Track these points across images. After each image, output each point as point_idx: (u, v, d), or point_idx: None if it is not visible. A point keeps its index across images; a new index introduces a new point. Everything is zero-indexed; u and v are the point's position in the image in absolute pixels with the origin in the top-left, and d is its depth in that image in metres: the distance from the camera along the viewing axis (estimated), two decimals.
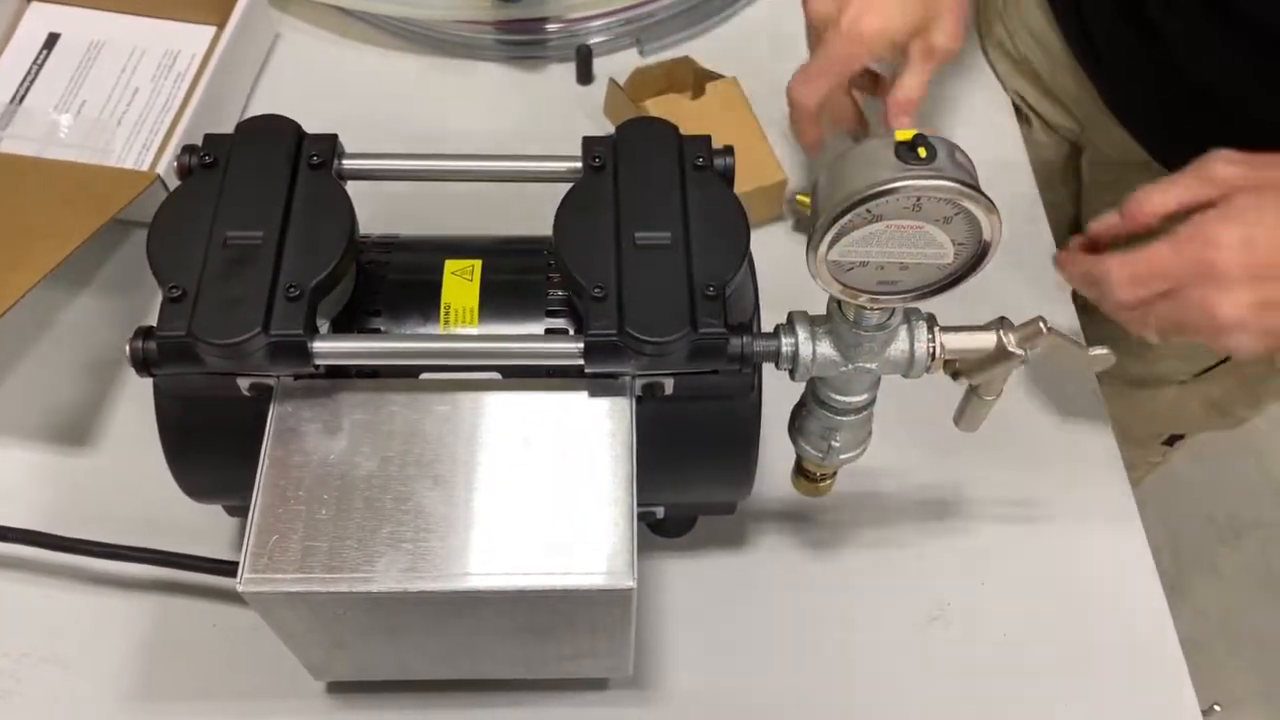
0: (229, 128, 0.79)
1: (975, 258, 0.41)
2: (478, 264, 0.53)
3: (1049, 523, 0.65)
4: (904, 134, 0.38)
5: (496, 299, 0.52)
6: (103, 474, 0.65)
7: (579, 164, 0.52)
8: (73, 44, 0.83)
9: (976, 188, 0.38)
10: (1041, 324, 0.47)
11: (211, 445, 0.52)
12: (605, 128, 0.80)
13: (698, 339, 0.46)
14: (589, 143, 0.52)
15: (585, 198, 0.50)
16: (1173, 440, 0.94)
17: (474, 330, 0.51)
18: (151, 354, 0.46)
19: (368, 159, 0.53)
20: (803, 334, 0.47)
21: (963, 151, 0.40)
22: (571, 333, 0.51)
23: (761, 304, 0.54)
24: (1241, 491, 1.50)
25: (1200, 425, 0.89)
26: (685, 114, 0.74)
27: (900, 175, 0.38)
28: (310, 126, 0.79)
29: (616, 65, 0.83)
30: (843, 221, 0.39)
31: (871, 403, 0.50)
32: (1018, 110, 0.83)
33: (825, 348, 0.47)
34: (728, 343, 0.47)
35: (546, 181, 0.53)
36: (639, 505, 0.58)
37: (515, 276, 0.54)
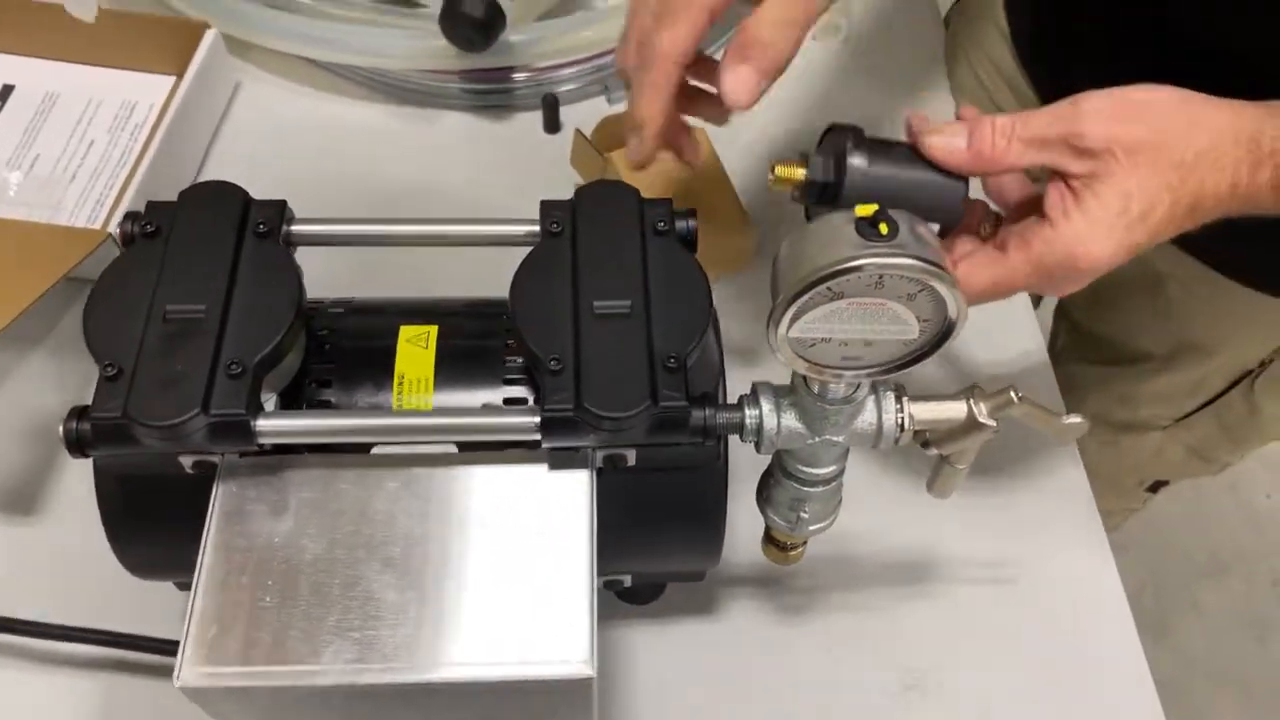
0: (186, 181, 0.78)
1: (941, 334, 0.39)
2: (433, 330, 0.52)
3: (1026, 583, 0.64)
4: (864, 209, 0.37)
5: (452, 367, 0.50)
6: (51, 544, 0.63)
7: (537, 228, 0.51)
8: (28, 95, 0.81)
9: (940, 265, 0.37)
10: (1013, 394, 0.45)
11: (154, 524, 0.50)
12: (572, 178, 0.78)
13: (658, 413, 0.44)
14: (547, 207, 0.50)
15: (543, 264, 0.48)
16: (1156, 487, 0.93)
17: (429, 398, 0.49)
18: (86, 435, 0.44)
19: (318, 224, 0.51)
20: (767, 406, 0.46)
21: (926, 225, 0.38)
22: (531, 401, 0.49)
23: (731, 358, 0.52)
24: (1222, 529, 1.49)
25: (1182, 471, 0.88)
26: (651, 165, 0.73)
27: (861, 253, 0.36)
28: (271, 177, 0.78)
29: (584, 113, 0.81)
30: (803, 300, 0.38)
31: (840, 473, 0.49)
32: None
33: (790, 420, 0.45)
34: (689, 416, 0.45)
35: (503, 245, 0.52)
36: (604, 575, 0.56)
37: (473, 342, 0.52)
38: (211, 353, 0.45)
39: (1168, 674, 0.63)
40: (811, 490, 0.49)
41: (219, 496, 0.46)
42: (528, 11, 0.80)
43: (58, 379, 0.69)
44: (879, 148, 0.47)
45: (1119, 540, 0.71)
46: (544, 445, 0.46)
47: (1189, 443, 0.83)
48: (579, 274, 0.48)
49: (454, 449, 0.49)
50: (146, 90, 0.82)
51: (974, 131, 0.46)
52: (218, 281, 0.47)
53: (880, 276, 0.37)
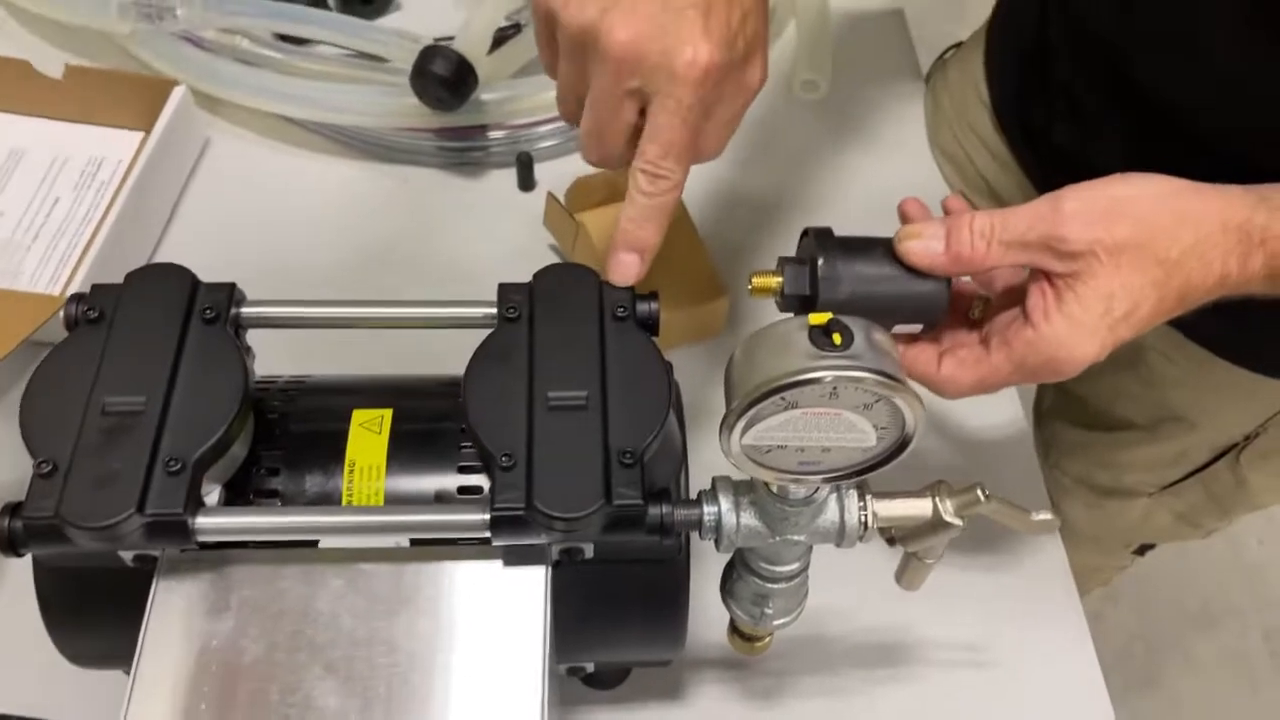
0: (151, 242, 0.77)
1: (900, 442, 0.38)
2: (387, 414, 0.50)
3: (1003, 667, 0.62)
4: (818, 318, 0.36)
5: (406, 453, 0.49)
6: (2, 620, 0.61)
7: (494, 310, 0.49)
8: None
9: (895, 377, 0.35)
10: (980, 492, 0.44)
11: (94, 616, 0.48)
12: (546, 238, 0.77)
13: (612, 511, 0.43)
14: (504, 291, 0.49)
15: (498, 351, 0.47)
16: (1143, 549, 0.91)
17: (379, 486, 0.48)
18: (18, 534, 0.42)
19: (269, 306, 0.50)
20: (725, 504, 0.44)
21: (883, 331, 0.37)
22: (487, 488, 0.48)
23: (702, 426, 0.50)
24: (1214, 578, 1.47)
25: (1169, 536, 0.87)
26: None
27: (813, 364, 0.35)
28: (238, 236, 0.77)
29: (558, 171, 0.80)
30: (755, 409, 0.36)
31: (805, 569, 0.47)
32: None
33: (750, 519, 0.44)
34: (645, 514, 0.43)
35: (461, 328, 0.50)
36: (565, 663, 0.54)
37: (428, 425, 0.50)
38: (149, 448, 0.43)
39: None
40: (775, 586, 0.47)
41: (157, 593, 0.45)
42: (501, 69, 0.79)
43: (10, 448, 0.67)
44: (855, 252, 0.46)
45: (1109, 590, 0.69)
46: (494, 543, 0.44)
47: (1176, 509, 0.81)
48: (535, 362, 0.46)
49: (404, 542, 0.47)
50: (114, 146, 0.81)
51: (952, 233, 0.45)
52: (160, 371, 0.45)
53: (834, 388, 0.35)
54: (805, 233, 0.49)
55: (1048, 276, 0.45)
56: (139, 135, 0.81)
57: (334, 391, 0.53)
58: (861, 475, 0.40)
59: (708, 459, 0.50)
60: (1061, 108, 0.69)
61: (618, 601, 0.50)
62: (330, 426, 0.49)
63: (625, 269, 0.48)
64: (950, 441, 0.71)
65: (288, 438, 0.49)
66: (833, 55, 0.86)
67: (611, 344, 0.47)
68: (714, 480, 0.45)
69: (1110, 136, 0.65)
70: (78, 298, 0.48)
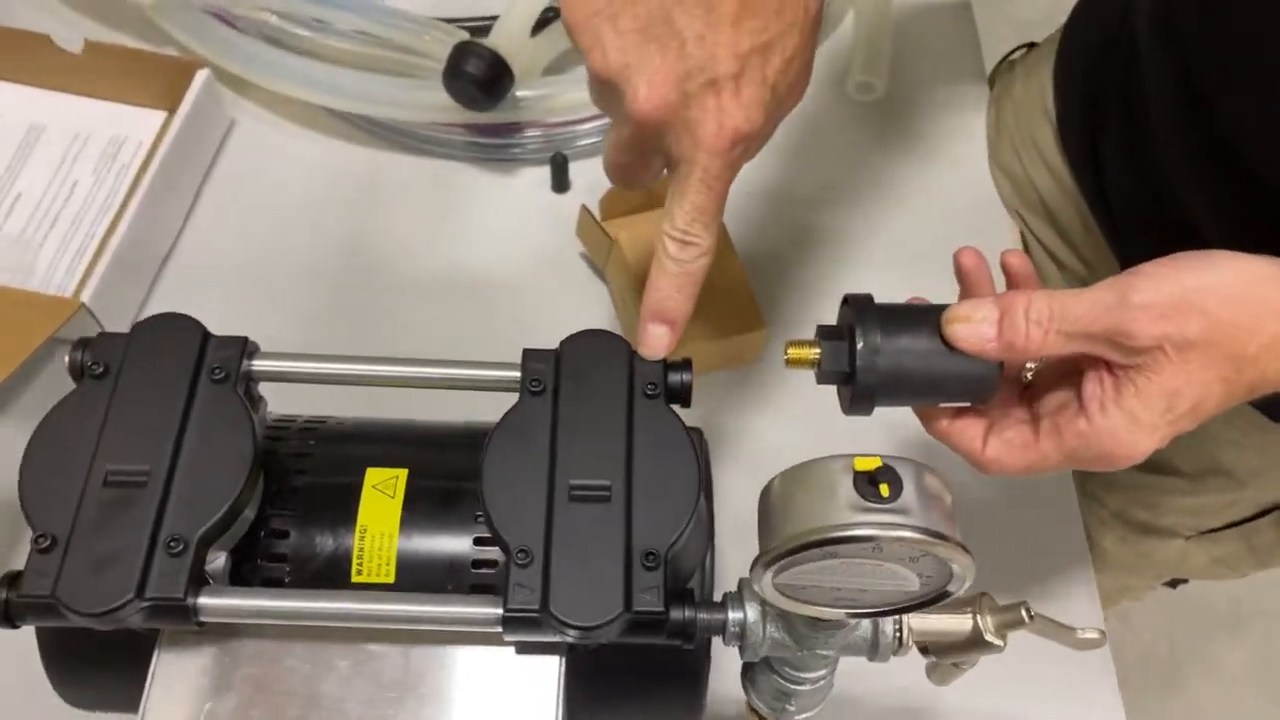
0: (172, 232, 0.75)
1: (945, 589, 0.35)
2: (402, 476, 0.48)
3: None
4: (865, 463, 0.33)
5: (420, 518, 0.47)
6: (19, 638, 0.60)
7: (517, 374, 0.47)
8: (12, 126, 0.77)
9: (946, 535, 0.32)
10: (1024, 612, 0.41)
11: (95, 668, 0.47)
12: (578, 246, 0.74)
13: (631, 618, 0.41)
14: (529, 359, 0.46)
15: (519, 430, 0.44)
16: (1175, 583, 0.89)
17: (391, 556, 0.46)
18: (15, 607, 0.41)
19: (282, 360, 0.47)
20: (752, 613, 0.42)
21: (935, 475, 0.34)
22: (500, 563, 0.46)
23: (726, 458, 0.47)
24: (1244, 580, 1.44)
25: (1204, 575, 0.84)
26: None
27: (857, 520, 0.32)
28: (262, 227, 0.75)
29: (595, 171, 0.76)
30: (791, 559, 0.33)
31: (831, 673, 0.45)
32: (1021, 236, 0.77)
33: (777, 631, 0.41)
34: (667, 621, 0.41)
35: (482, 390, 0.48)
36: None
37: (444, 484, 0.48)
38: (151, 526, 0.41)
39: None
40: (799, 689, 0.45)
41: (158, 667, 0.43)
42: (539, 58, 0.75)
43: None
44: (896, 326, 0.43)
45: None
46: (506, 640, 0.42)
47: (1214, 554, 0.79)
48: (557, 444, 0.44)
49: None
50: (136, 126, 0.78)
51: (1005, 318, 0.42)
52: (165, 436, 0.43)
53: (879, 545, 0.33)
54: (845, 301, 0.46)
55: (1107, 364, 0.42)
56: (161, 115, 0.78)
57: (349, 440, 0.51)
58: (902, 613, 0.37)
59: (733, 500, 0.48)
60: (1133, 135, 0.64)
61: (634, 682, 0.48)
62: (343, 486, 0.47)
63: (656, 343, 0.46)
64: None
65: (299, 498, 0.47)
66: (891, 55, 0.81)
67: (640, 426, 0.44)
68: (740, 583, 0.43)
69: (1184, 174, 0.61)
70: (83, 345, 0.46)
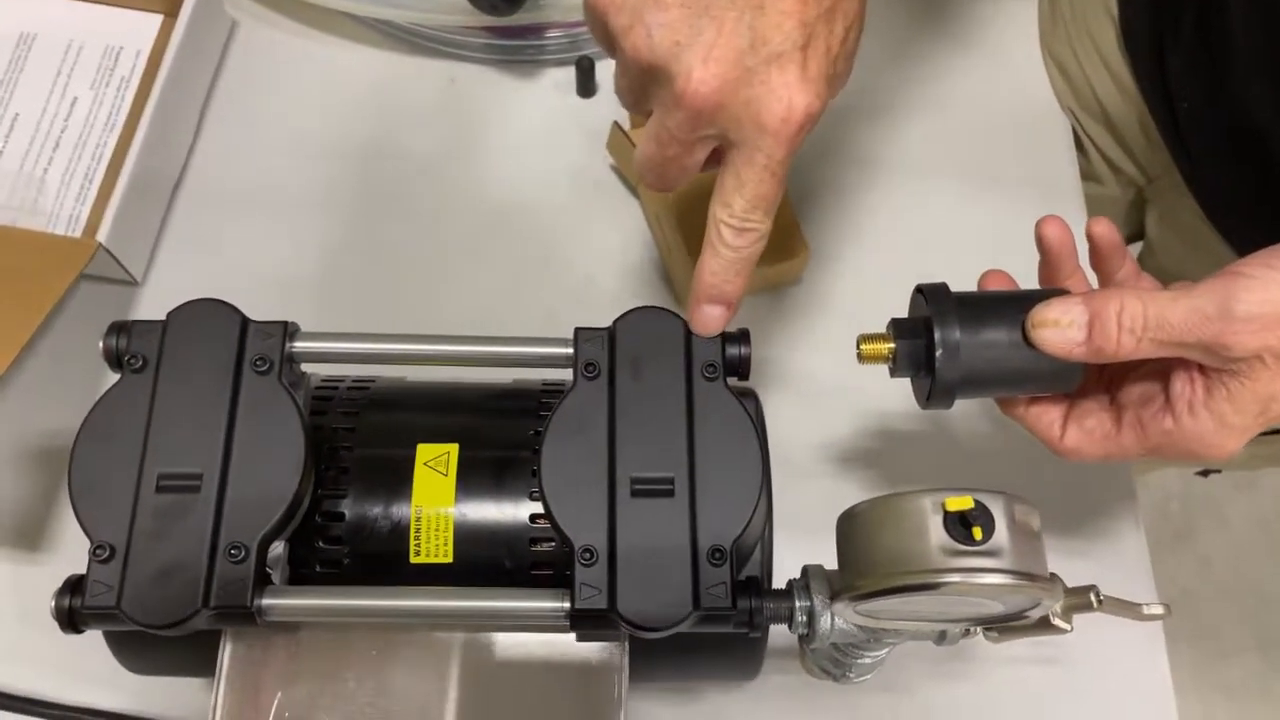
0: (180, 159, 0.71)
1: (1025, 613, 0.35)
2: (453, 452, 0.47)
3: (1068, 665, 0.60)
4: (957, 502, 0.32)
5: (474, 495, 0.46)
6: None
7: (569, 351, 0.45)
8: (2, 37, 0.72)
9: (1038, 575, 0.32)
10: (1093, 596, 0.41)
11: (160, 648, 0.47)
12: (606, 155, 0.70)
13: (699, 614, 0.41)
14: (582, 340, 0.44)
15: (576, 421, 0.43)
16: (1207, 473, 0.89)
17: (448, 536, 0.45)
18: (80, 615, 0.41)
19: (324, 341, 0.45)
20: (819, 601, 0.41)
21: (1025, 505, 0.33)
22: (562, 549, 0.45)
23: (771, 385, 0.45)
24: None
25: (1243, 468, 0.84)
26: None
27: (950, 566, 0.31)
28: (272, 144, 0.71)
29: None
30: (876, 598, 0.33)
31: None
32: (1076, 136, 0.73)
33: (846, 623, 0.41)
34: (734, 612, 0.41)
35: (533, 367, 0.46)
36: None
37: (498, 454, 0.47)
38: (210, 534, 0.40)
39: (1187, 583, 0.61)
40: (860, 661, 0.45)
41: (227, 659, 0.44)
42: None
43: (54, 392, 0.64)
44: (975, 320, 0.41)
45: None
46: (576, 636, 0.42)
47: (1256, 451, 0.78)
48: (616, 434, 0.43)
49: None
50: (130, 32, 0.73)
51: (1096, 324, 0.40)
52: (214, 436, 0.42)
53: (969, 587, 0.32)
54: (918, 290, 0.44)
55: (1200, 365, 0.41)
56: (157, 19, 0.73)
57: (396, 409, 0.49)
58: (980, 629, 0.37)
59: (778, 428, 0.47)
60: (1207, 43, 0.60)
61: (695, 647, 0.48)
62: (395, 464, 0.46)
63: (711, 322, 0.44)
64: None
65: (350, 477, 0.46)
66: None
67: (700, 411, 0.43)
68: (806, 571, 0.42)
69: (1264, 91, 0.57)
70: (118, 330, 0.44)
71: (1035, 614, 0.34)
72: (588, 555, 0.41)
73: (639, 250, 0.68)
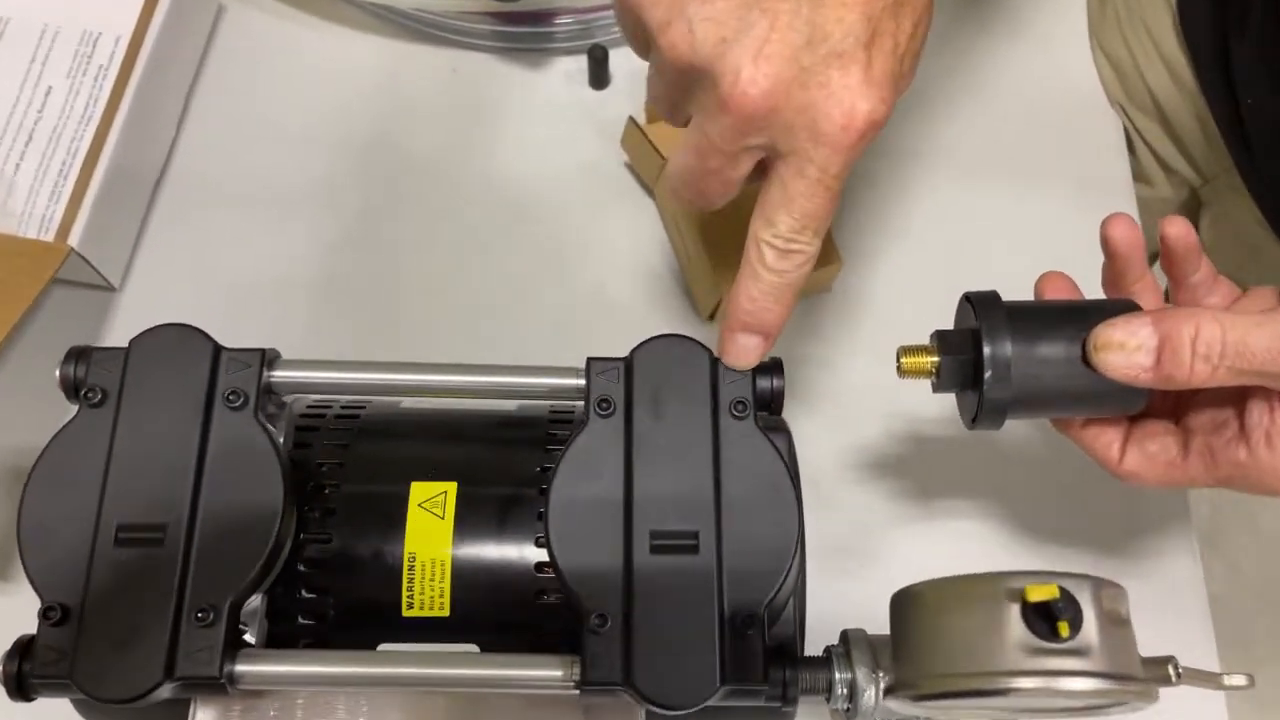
0: (162, 154, 0.66)
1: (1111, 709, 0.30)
2: (451, 491, 0.42)
3: None
4: (1039, 591, 0.27)
5: (474, 541, 0.41)
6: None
7: (581, 382, 0.40)
8: None
9: (1133, 676, 0.27)
10: (1172, 670, 0.36)
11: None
12: (619, 152, 0.65)
13: (725, 691, 0.36)
14: (595, 371, 0.40)
15: (588, 465, 0.38)
16: None
17: (444, 588, 0.41)
18: (29, 682, 0.36)
19: (307, 370, 0.41)
20: (862, 674, 0.37)
21: (1116, 590, 0.28)
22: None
23: (806, 405, 0.41)
24: None
25: None
26: None
27: (1032, 668, 0.26)
28: (262, 136, 0.66)
29: (638, 64, 0.67)
30: (944, 699, 0.28)
31: None
32: (1126, 134, 0.68)
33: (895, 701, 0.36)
34: (765, 688, 0.36)
35: (539, 400, 0.42)
36: None
37: (499, 496, 0.43)
38: (175, 594, 0.36)
39: (1215, 590, 0.57)
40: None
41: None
42: None
43: (28, 407, 0.60)
44: (1029, 334, 0.37)
45: None
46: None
47: None
48: (634, 481, 0.38)
49: (474, 649, 0.41)
50: (109, 16, 0.67)
51: (1166, 349, 0.35)
52: (181, 483, 0.37)
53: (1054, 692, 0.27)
54: (966, 299, 0.39)
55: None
56: (139, 2, 0.67)
57: (390, 439, 0.45)
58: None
59: (805, 450, 0.43)
60: (1276, 33, 0.55)
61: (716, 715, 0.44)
62: (386, 505, 0.42)
63: (745, 353, 0.39)
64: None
65: (337, 520, 0.42)
66: None
67: (728, 455, 0.38)
68: (846, 637, 0.38)
69: None
70: (76, 357, 0.39)
71: (1125, 711, 0.30)
72: (600, 622, 0.36)
73: (655, 256, 0.63)
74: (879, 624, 0.52)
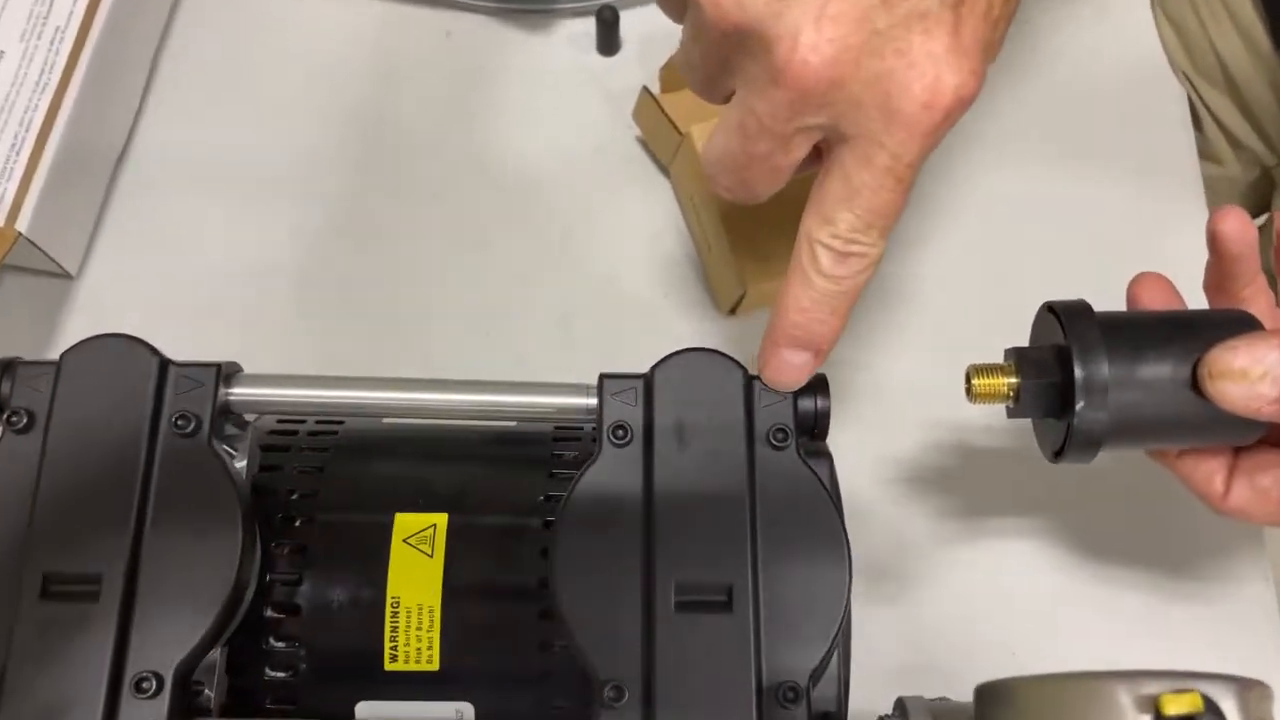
0: (124, 128, 0.60)
1: None
2: (441, 524, 0.37)
3: None
4: (1176, 702, 0.21)
5: (468, 583, 0.36)
6: None
7: (591, 401, 0.34)
8: None
9: None
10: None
11: None
12: (633, 129, 0.59)
13: None
14: (609, 393, 0.34)
15: (602, 506, 0.33)
16: None
17: (433, 639, 0.35)
18: None
19: (272, 387, 0.35)
20: None
21: (1261, 689, 0.22)
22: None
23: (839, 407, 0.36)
24: None
25: None
26: None
27: None
28: (234, 109, 0.60)
29: (649, 24, 0.61)
30: None
31: None
32: (1191, 107, 0.62)
33: None
34: None
35: (543, 422, 0.36)
36: None
37: (497, 528, 0.37)
38: (111, 657, 0.30)
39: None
40: None
41: None
42: None
43: None
44: (1129, 354, 0.31)
45: None
46: None
47: None
48: (655, 525, 0.32)
49: (468, 705, 0.36)
50: None
51: None
52: (120, 525, 0.32)
53: None
54: (1050, 310, 0.34)
55: None
56: None
57: (372, 460, 0.39)
58: None
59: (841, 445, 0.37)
60: None
61: None
62: (366, 540, 0.36)
63: (790, 371, 0.33)
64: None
65: (309, 558, 0.36)
66: None
67: (765, 494, 0.33)
68: (903, 707, 0.32)
69: None
70: (5, 369, 0.34)
71: None
72: (616, 694, 0.30)
73: (672, 242, 0.57)
74: (920, 657, 0.46)
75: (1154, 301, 0.36)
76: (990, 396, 0.34)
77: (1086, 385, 0.31)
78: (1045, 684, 0.23)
